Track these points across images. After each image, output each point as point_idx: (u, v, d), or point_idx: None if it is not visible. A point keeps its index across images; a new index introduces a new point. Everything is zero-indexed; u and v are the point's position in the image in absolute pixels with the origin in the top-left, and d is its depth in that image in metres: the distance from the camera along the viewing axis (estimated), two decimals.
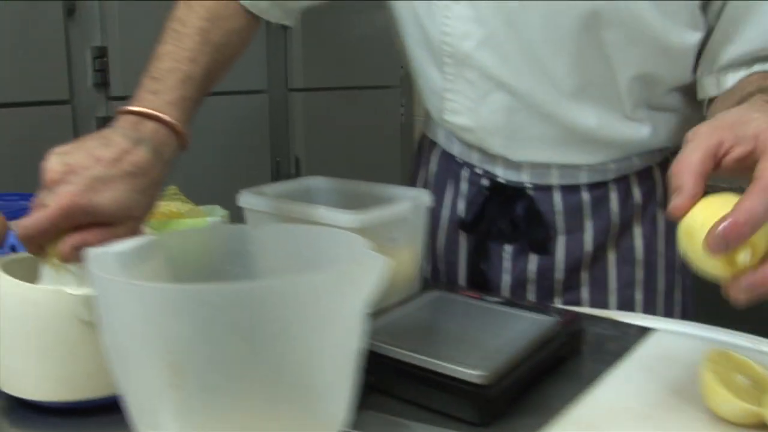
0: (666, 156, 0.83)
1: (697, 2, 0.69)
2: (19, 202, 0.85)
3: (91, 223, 0.53)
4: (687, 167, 0.48)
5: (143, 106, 0.59)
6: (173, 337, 0.36)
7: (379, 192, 0.80)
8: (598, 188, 0.80)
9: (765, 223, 0.44)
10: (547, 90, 0.74)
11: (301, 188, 0.83)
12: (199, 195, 0.91)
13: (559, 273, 0.82)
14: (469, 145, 0.83)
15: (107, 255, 0.46)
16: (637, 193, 0.82)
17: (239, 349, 0.36)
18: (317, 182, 0.84)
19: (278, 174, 2.11)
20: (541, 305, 0.66)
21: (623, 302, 0.82)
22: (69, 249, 0.52)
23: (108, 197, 0.53)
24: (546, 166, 0.79)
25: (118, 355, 0.41)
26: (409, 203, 0.70)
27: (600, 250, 0.82)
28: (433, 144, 0.91)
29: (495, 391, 0.51)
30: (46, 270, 0.55)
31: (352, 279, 0.38)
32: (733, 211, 0.44)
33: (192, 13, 0.68)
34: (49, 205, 0.52)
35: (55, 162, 0.53)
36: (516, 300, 0.66)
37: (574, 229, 0.81)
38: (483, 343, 0.56)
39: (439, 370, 0.51)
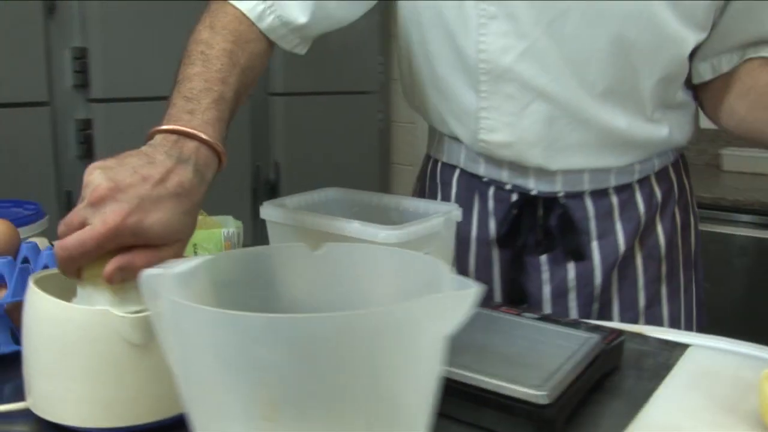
0: (676, 157, 0.89)
1: (717, 3, 0.75)
2: None
3: (133, 245, 0.51)
4: None
5: (182, 125, 0.57)
6: (271, 368, 0.34)
7: (395, 204, 0.79)
8: (624, 191, 0.84)
9: None
10: (582, 95, 0.76)
11: (320, 200, 0.82)
12: None
13: (598, 278, 0.84)
14: (499, 162, 0.83)
15: (166, 278, 0.44)
16: (658, 193, 0.86)
17: (340, 380, 0.34)
18: (335, 194, 0.83)
19: (258, 179, 2.08)
20: (577, 321, 0.66)
21: (650, 297, 0.85)
22: (114, 271, 0.50)
23: (156, 218, 0.51)
24: (579, 172, 0.82)
25: (192, 384, 0.39)
26: (442, 217, 0.70)
27: (629, 249, 0.85)
28: (450, 167, 0.90)
29: (556, 410, 0.50)
30: (82, 289, 0.53)
31: (452, 306, 0.37)
32: None
33: (217, 35, 0.68)
34: (94, 224, 0.49)
35: (100, 177, 0.50)
36: (553, 316, 0.66)
37: (607, 232, 0.84)
38: (535, 361, 0.55)
39: (500, 390, 0.51)
